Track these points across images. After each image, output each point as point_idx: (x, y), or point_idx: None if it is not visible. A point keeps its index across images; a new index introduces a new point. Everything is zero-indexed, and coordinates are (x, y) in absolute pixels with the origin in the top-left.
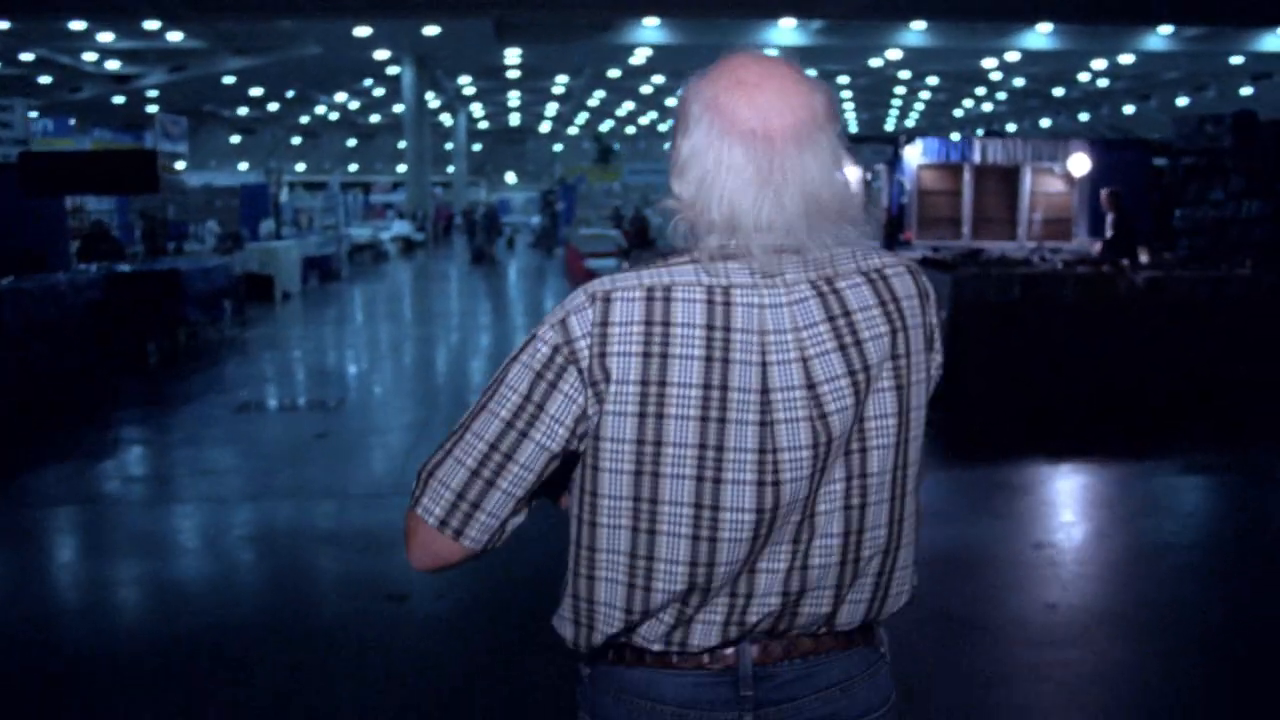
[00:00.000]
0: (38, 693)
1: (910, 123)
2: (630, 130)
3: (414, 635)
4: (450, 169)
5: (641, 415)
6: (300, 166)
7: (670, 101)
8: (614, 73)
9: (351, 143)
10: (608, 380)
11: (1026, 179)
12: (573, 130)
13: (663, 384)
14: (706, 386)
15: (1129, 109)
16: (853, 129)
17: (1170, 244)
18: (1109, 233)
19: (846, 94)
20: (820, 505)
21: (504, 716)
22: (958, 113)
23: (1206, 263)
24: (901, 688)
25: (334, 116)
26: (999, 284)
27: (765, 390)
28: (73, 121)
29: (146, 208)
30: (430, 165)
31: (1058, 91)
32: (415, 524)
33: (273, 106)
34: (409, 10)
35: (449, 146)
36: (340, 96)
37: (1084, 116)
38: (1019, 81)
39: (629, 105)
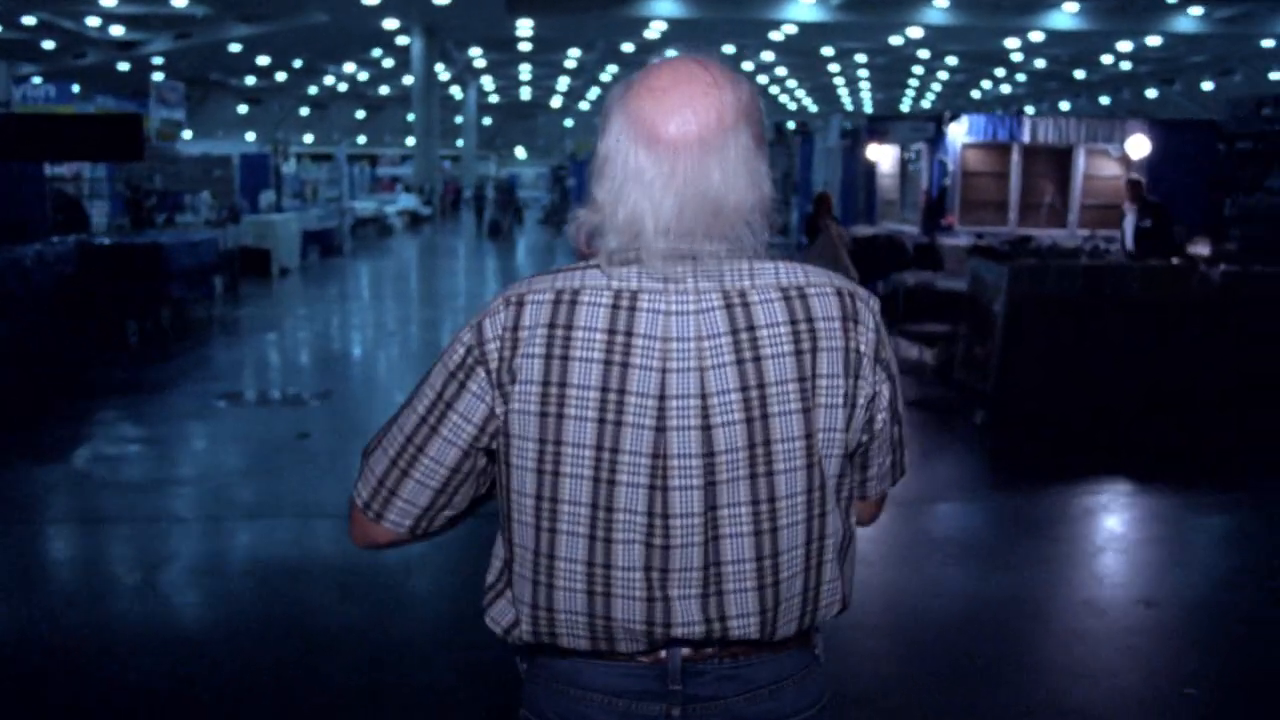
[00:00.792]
0: None
1: (926, 104)
2: None
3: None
4: (459, 143)
5: (543, 415)
6: (308, 138)
7: None
8: (627, 47)
9: (360, 115)
10: (514, 381)
11: (1080, 161)
12: (584, 105)
13: (563, 385)
14: (604, 390)
15: (1152, 92)
16: (867, 109)
17: (1221, 234)
18: (1135, 222)
19: (863, 73)
20: (725, 528)
21: None
22: (975, 94)
23: (1270, 255)
24: None
25: (343, 88)
26: (1060, 276)
27: (663, 396)
28: (76, 88)
29: (131, 176)
30: (439, 139)
31: (1079, 74)
32: (350, 503)
33: (280, 77)
34: None
35: (459, 120)
36: (349, 67)
37: (1104, 100)
38: (1040, 63)
39: None
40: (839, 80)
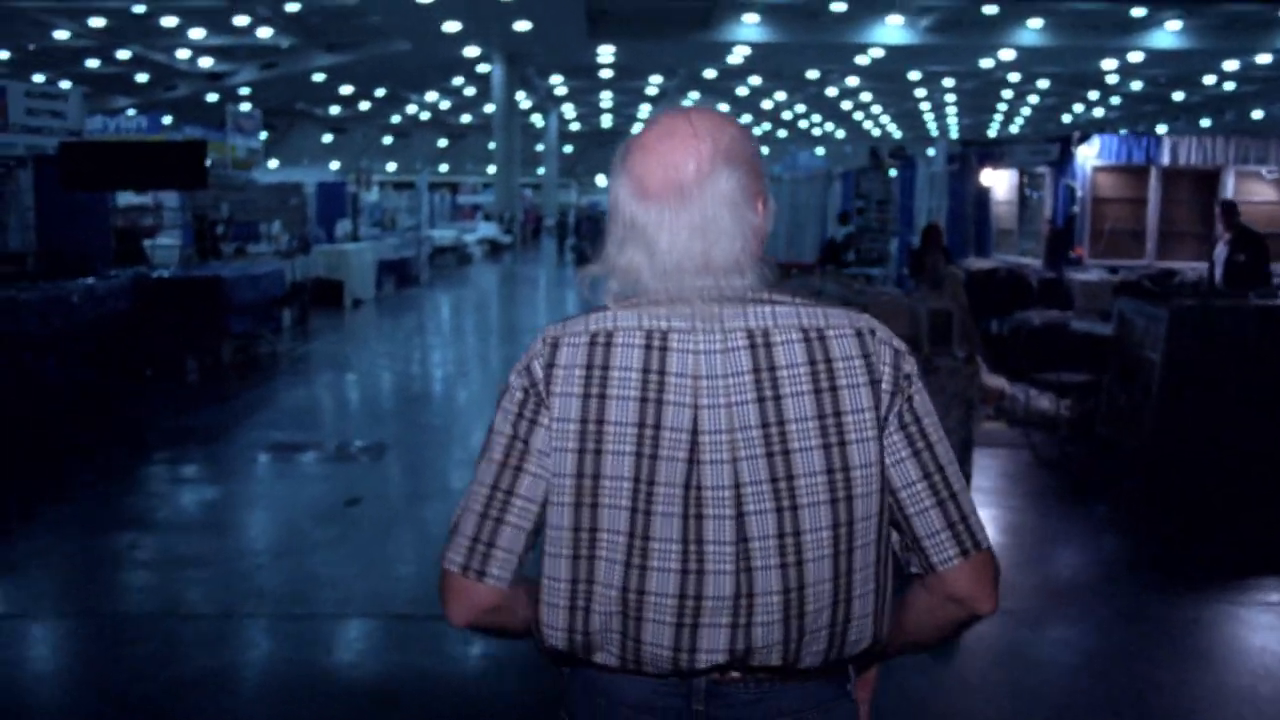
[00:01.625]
0: None
1: (1014, 129)
2: None
3: None
4: (540, 170)
5: (581, 451)
6: (391, 166)
7: (767, 104)
8: (710, 73)
9: (442, 143)
10: (551, 420)
11: (1229, 185)
12: None
13: (601, 422)
14: (641, 425)
15: (1258, 113)
16: (953, 134)
17: None
18: (1227, 254)
19: (950, 98)
20: (756, 560)
21: None
22: (1066, 118)
23: None
24: None
25: (425, 116)
26: (1230, 319)
27: (695, 431)
28: (168, 119)
29: (196, 205)
30: (519, 166)
31: (1177, 95)
32: (444, 577)
33: (364, 106)
34: None
35: (540, 148)
36: (431, 96)
37: (1205, 122)
38: (1136, 85)
39: (724, 108)
40: (925, 105)
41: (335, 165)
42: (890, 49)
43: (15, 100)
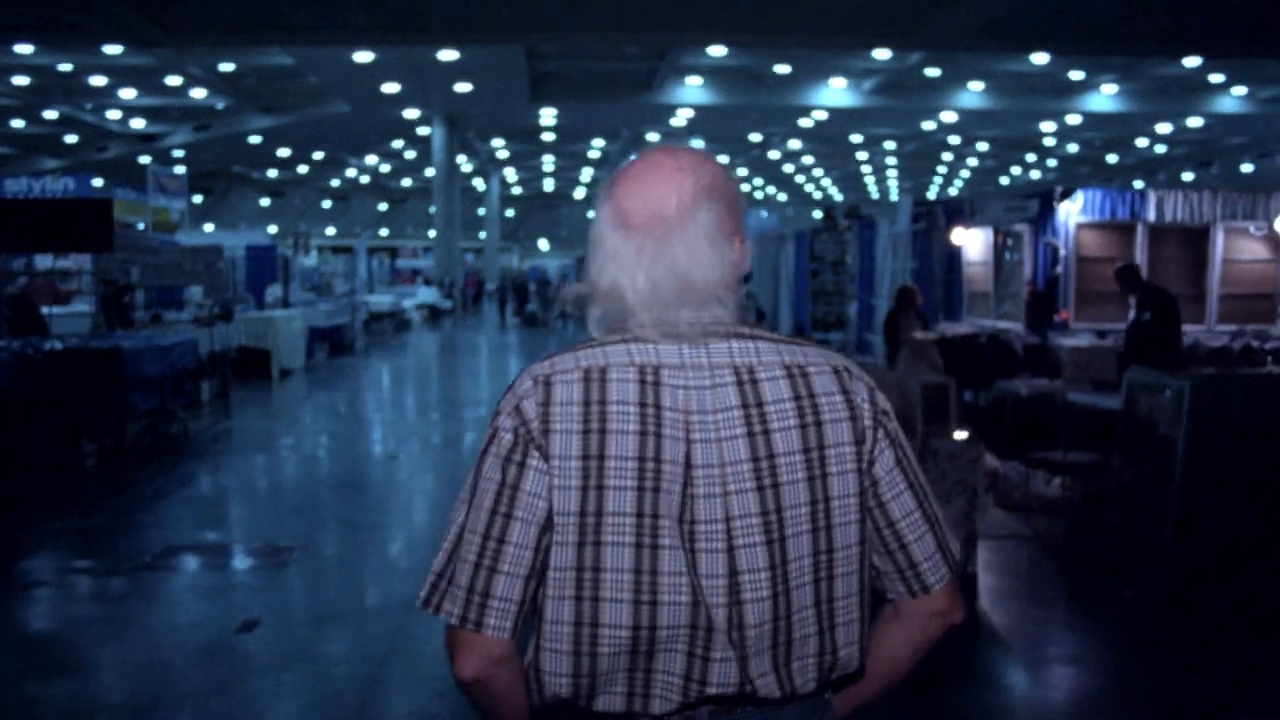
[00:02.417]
0: None
1: (953, 191)
2: None
3: None
4: (482, 235)
5: (584, 489)
6: (330, 230)
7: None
8: (653, 136)
9: (383, 207)
10: (548, 458)
11: (1218, 243)
12: None
13: (602, 457)
14: (641, 459)
15: (1188, 175)
16: (893, 197)
17: None
18: (1135, 315)
19: (891, 160)
20: (746, 592)
21: None
22: (1004, 180)
23: None
24: None
25: (365, 180)
26: (1257, 392)
27: (689, 465)
28: (99, 182)
29: (103, 270)
30: (460, 230)
31: (1111, 158)
32: (448, 632)
33: (302, 169)
34: (420, 34)
35: (481, 212)
36: (371, 159)
37: (1138, 184)
38: (1072, 147)
39: None
40: (866, 168)
41: (273, 229)
42: (833, 111)
43: None
